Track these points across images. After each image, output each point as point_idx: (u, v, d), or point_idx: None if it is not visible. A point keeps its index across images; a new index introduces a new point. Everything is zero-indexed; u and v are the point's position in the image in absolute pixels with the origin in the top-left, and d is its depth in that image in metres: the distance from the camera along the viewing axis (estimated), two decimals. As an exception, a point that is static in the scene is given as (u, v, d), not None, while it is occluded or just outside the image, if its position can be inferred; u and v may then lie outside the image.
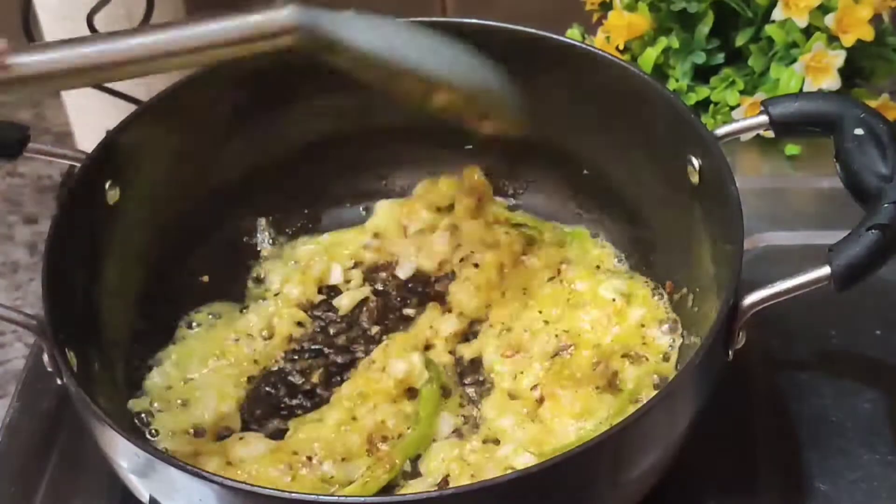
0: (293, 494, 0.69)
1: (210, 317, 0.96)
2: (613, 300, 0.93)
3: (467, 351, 0.93)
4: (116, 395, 0.88)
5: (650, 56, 1.13)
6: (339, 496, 0.79)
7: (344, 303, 0.98)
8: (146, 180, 0.93)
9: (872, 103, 1.07)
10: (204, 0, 1.25)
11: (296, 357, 0.95)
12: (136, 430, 0.87)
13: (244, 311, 0.97)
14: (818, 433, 0.91)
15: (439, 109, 0.84)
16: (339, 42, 0.76)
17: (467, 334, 0.95)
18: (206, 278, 0.99)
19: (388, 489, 0.83)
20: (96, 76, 0.75)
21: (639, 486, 0.78)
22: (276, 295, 0.98)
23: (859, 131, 0.80)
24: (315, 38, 0.76)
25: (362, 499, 0.71)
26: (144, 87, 1.12)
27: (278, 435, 0.88)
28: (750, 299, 0.76)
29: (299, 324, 0.97)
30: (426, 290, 0.99)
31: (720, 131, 0.86)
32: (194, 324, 0.96)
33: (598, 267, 0.98)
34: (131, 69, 0.74)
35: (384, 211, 1.04)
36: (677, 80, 1.14)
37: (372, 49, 0.78)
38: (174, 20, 0.74)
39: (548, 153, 1.02)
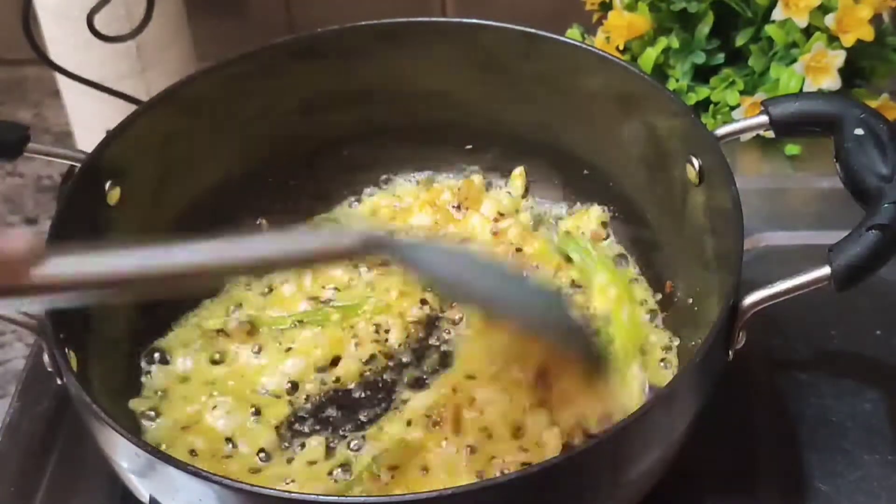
0: (293, 494, 0.69)
1: (210, 317, 0.96)
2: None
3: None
4: (116, 395, 0.87)
5: (650, 56, 1.13)
6: (338, 496, 0.79)
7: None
8: (146, 180, 0.93)
9: (872, 103, 1.07)
10: (204, 1, 1.26)
11: (296, 357, 0.95)
12: (137, 430, 0.87)
13: (244, 311, 0.97)
14: (818, 433, 0.91)
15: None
16: (405, 265, 0.76)
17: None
18: (205, 278, 0.99)
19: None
20: (131, 292, 0.69)
21: (639, 486, 0.78)
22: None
23: (859, 131, 0.80)
24: (378, 255, 0.76)
25: (362, 499, 0.71)
26: (144, 87, 1.13)
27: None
28: (750, 299, 0.76)
29: (299, 323, 0.96)
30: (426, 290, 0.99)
31: (720, 131, 0.85)
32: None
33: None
34: (182, 283, 0.69)
35: (384, 212, 1.04)
36: (677, 80, 1.14)
37: (436, 277, 0.76)
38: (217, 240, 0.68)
39: (548, 153, 1.02)
